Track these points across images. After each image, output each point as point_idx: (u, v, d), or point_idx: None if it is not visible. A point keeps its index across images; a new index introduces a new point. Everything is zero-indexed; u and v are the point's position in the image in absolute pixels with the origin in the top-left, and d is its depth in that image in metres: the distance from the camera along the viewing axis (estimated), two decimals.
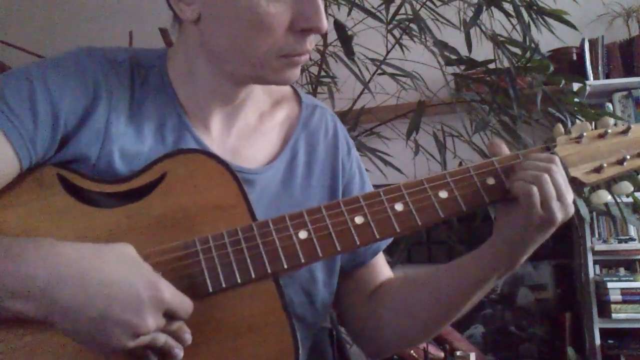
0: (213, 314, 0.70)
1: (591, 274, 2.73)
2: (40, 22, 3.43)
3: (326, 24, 0.76)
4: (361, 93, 1.95)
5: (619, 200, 1.66)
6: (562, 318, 2.83)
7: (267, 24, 0.74)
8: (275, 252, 0.73)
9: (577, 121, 1.76)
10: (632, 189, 0.85)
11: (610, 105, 2.85)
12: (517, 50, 1.73)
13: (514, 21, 1.74)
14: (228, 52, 0.78)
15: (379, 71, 1.97)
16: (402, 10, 1.83)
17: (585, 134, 0.84)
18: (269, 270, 0.72)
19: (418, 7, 1.82)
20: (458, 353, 1.82)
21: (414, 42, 1.95)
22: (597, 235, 2.79)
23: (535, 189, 0.74)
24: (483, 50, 1.80)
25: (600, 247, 2.74)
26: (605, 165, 0.82)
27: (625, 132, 0.85)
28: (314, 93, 2.09)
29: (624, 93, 2.87)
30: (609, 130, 0.85)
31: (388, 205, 0.77)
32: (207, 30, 0.78)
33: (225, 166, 0.77)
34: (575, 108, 1.75)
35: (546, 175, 0.75)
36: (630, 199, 1.74)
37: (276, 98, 0.94)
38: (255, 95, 0.90)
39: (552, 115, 1.76)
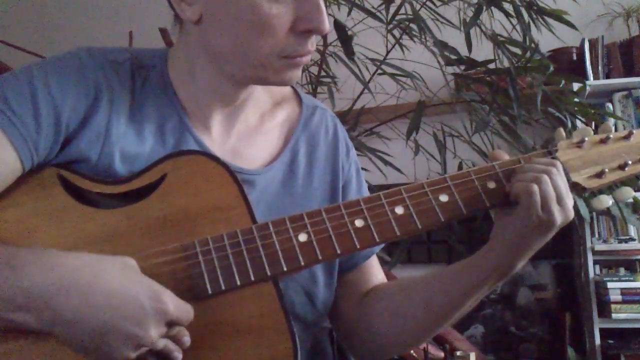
0: (212, 316, 0.70)
1: (591, 274, 2.73)
2: (40, 22, 3.43)
3: (328, 25, 0.76)
4: (361, 93, 1.95)
5: (614, 202, 1.66)
6: (562, 318, 2.83)
7: (268, 24, 0.74)
8: (274, 255, 0.73)
9: (577, 121, 1.76)
10: (633, 194, 0.85)
11: (610, 105, 2.85)
12: (517, 50, 1.73)
13: (514, 21, 1.74)
14: (229, 52, 0.78)
15: (379, 71, 1.97)
16: (402, 10, 1.83)
17: (587, 138, 0.84)
18: (269, 273, 0.72)
19: (418, 7, 1.82)
20: (458, 353, 1.81)
21: (414, 42, 1.95)
22: (597, 235, 2.79)
23: (535, 188, 0.74)
24: (483, 50, 1.80)
25: (600, 247, 2.74)
26: (606, 170, 0.82)
27: (627, 137, 0.86)
28: (314, 93, 2.09)
29: (624, 93, 2.87)
30: (611, 136, 0.85)
31: (388, 209, 0.77)
32: (208, 31, 0.78)
33: (226, 168, 0.77)
34: (575, 108, 1.75)
35: (546, 177, 0.75)
36: (630, 199, 1.74)
37: (276, 98, 0.94)
38: (256, 96, 0.89)
39: (552, 115, 1.76)
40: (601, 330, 2.65)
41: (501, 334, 2.95)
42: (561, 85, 1.77)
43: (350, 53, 1.69)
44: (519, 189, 0.76)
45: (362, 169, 1.03)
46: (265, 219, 0.75)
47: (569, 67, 2.85)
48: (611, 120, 2.47)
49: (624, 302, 2.63)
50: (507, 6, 1.73)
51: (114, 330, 0.63)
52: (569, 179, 0.80)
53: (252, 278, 0.71)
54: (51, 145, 0.74)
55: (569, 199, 0.77)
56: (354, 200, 0.77)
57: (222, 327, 0.70)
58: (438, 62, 1.82)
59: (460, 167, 1.92)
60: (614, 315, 2.62)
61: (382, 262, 1.78)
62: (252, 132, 0.89)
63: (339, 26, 1.69)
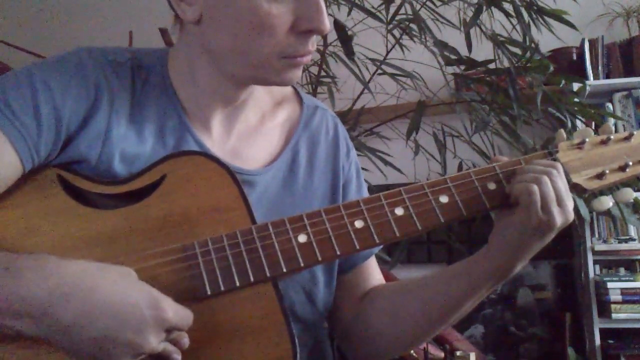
0: (211, 317, 0.70)
1: (591, 274, 2.73)
2: (41, 22, 3.43)
3: (328, 25, 0.76)
4: (361, 93, 1.95)
5: (615, 203, 1.66)
6: (562, 318, 2.83)
7: (269, 25, 0.74)
8: (274, 256, 0.72)
9: (577, 121, 1.76)
10: (634, 195, 0.85)
11: (610, 105, 2.84)
12: (517, 50, 1.73)
13: (514, 21, 1.74)
14: (229, 53, 0.77)
15: (379, 71, 1.97)
16: (402, 10, 1.83)
17: (587, 140, 0.84)
18: (268, 274, 0.72)
19: (418, 7, 1.82)
20: (458, 353, 1.82)
21: (414, 42, 1.95)
22: (597, 235, 2.79)
23: (535, 188, 0.74)
24: (483, 50, 1.80)
25: (600, 247, 2.74)
26: (607, 171, 0.82)
27: (627, 138, 0.85)
28: (314, 93, 2.09)
29: (624, 93, 2.87)
30: (612, 137, 0.85)
31: (388, 210, 0.77)
32: (208, 31, 0.78)
33: (226, 168, 0.77)
34: (575, 108, 1.75)
35: (546, 178, 0.75)
36: (630, 200, 1.74)
37: (277, 98, 0.94)
38: (257, 96, 0.89)
39: (552, 115, 1.76)
40: (601, 330, 2.65)
41: (501, 334, 2.95)
42: (561, 85, 1.77)
43: (350, 53, 1.69)
44: (518, 189, 0.76)
45: (362, 169, 1.03)
46: (265, 220, 0.75)
47: (569, 67, 2.85)
48: (611, 121, 2.47)
49: (624, 302, 2.63)
50: (507, 6, 1.73)
51: (112, 339, 0.62)
52: (569, 180, 0.80)
53: (252, 279, 0.71)
54: (52, 146, 0.74)
55: (569, 201, 0.76)
56: (354, 201, 0.77)
57: (222, 328, 0.70)
58: (438, 62, 1.82)
59: (460, 167, 1.92)
60: (614, 315, 2.61)
61: (382, 262, 1.78)
62: (252, 133, 0.89)
63: (339, 26, 1.69)
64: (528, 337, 2.92)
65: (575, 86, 2.20)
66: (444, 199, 0.78)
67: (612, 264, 2.82)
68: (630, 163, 0.83)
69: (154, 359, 0.66)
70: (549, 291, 2.94)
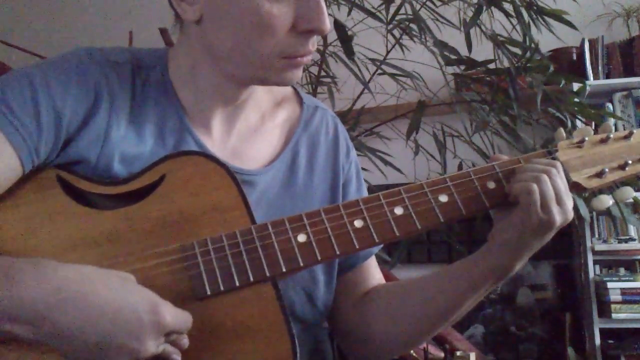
0: (211, 317, 0.70)
1: (591, 274, 2.73)
2: (41, 22, 3.43)
3: (329, 25, 0.76)
4: (361, 93, 1.95)
5: (615, 202, 1.66)
6: (562, 318, 2.83)
7: (269, 25, 0.73)
8: (274, 256, 0.72)
9: (577, 121, 1.76)
10: (633, 194, 0.84)
11: (610, 105, 2.85)
12: (517, 50, 1.73)
13: (514, 21, 1.74)
14: (230, 52, 0.77)
15: (379, 71, 1.97)
16: (402, 10, 1.83)
17: (587, 138, 0.84)
18: (268, 274, 0.72)
19: (418, 7, 1.82)
20: (458, 353, 1.81)
21: (414, 42, 1.95)
22: (597, 235, 2.79)
23: (535, 187, 0.74)
24: (483, 50, 1.80)
25: (600, 247, 2.74)
26: (607, 170, 0.81)
27: (627, 137, 0.85)
28: (314, 93, 2.09)
29: (624, 93, 2.87)
30: (611, 135, 0.85)
31: (388, 209, 0.76)
32: (209, 31, 0.78)
33: (225, 168, 0.77)
34: (575, 108, 1.75)
35: (546, 177, 0.75)
36: (630, 199, 1.74)
37: (277, 98, 0.94)
38: (257, 96, 0.89)
39: (552, 115, 1.76)
40: (601, 330, 2.65)
41: (501, 334, 2.95)
42: (561, 85, 1.77)
43: (350, 53, 1.69)
44: (518, 188, 0.76)
45: (362, 169, 1.03)
46: (265, 219, 0.75)
47: (569, 67, 2.85)
48: (611, 121, 2.47)
49: (624, 302, 2.63)
50: (507, 6, 1.73)
51: (111, 344, 0.62)
52: (569, 179, 0.80)
53: (251, 279, 0.71)
54: (51, 146, 0.74)
55: (569, 199, 0.76)
56: (353, 201, 0.77)
57: (221, 328, 0.70)
58: (438, 62, 1.82)
59: (460, 167, 1.92)
60: (614, 315, 2.62)
61: (382, 262, 1.78)
62: (252, 133, 0.89)
63: (339, 26, 1.69)
64: (528, 337, 2.92)
65: (575, 86, 2.19)
66: (443, 198, 0.78)
67: (612, 264, 2.82)
68: (630, 161, 0.83)
69: (153, 359, 0.66)
70: (549, 291, 2.95)
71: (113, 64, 0.80)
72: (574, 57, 2.90)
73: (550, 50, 2.74)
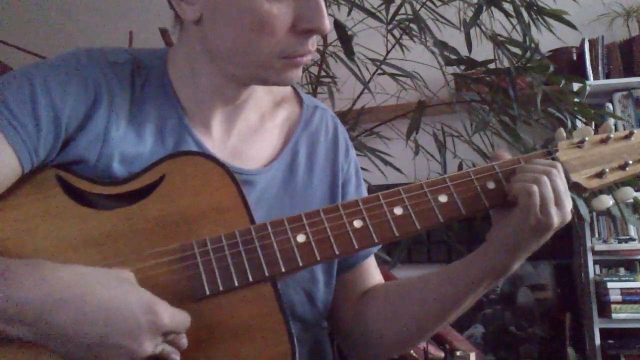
0: (210, 317, 0.70)
1: (591, 274, 2.73)
2: (41, 22, 3.43)
3: (328, 24, 0.76)
4: (361, 93, 1.95)
5: (615, 202, 1.66)
6: (562, 318, 2.83)
7: (269, 24, 0.74)
8: (273, 256, 0.72)
9: (577, 121, 1.76)
10: (634, 194, 0.84)
11: (610, 105, 2.85)
12: (517, 50, 1.73)
13: (514, 21, 1.74)
14: (230, 52, 0.77)
15: (379, 71, 1.97)
16: (402, 10, 1.83)
17: (587, 138, 0.84)
18: (267, 274, 0.72)
19: (418, 7, 1.82)
20: (458, 353, 1.81)
21: (414, 42, 1.95)
22: (597, 235, 2.79)
23: (535, 189, 0.74)
24: (483, 50, 1.79)
25: (600, 247, 2.74)
26: (607, 170, 0.81)
27: (627, 137, 0.85)
28: (314, 93, 2.09)
29: (624, 93, 2.87)
30: (611, 135, 0.85)
31: (387, 209, 0.76)
32: (208, 31, 0.78)
33: (224, 168, 0.77)
34: (575, 108, 1.75)
35: (545, 178, 0.75)
36: (630, 199, 1.74)
37: (277, 98, 0.94)
38: (257, 96, 0.89)
39: (552, 115, 1.76)
40: (601, 330, 2.65)
41: (501, 334, 2.95)
42: (561, 85, 1.77)
43: (350, 53, 1.69)
44: (517, 189, 0.76)
45: (362, 169, 1.04)
46: (265, 219, 0.75)
47: (569, 67, 2.85)
48: (611, 120, 2.47)
49: (624, 302, 2.63)
50: (507, 6, 1.73)
51: (108, 344, 0.62)
52: (569, 179, 0.80)
53: (250, 279, 0.71)
54: (50, 146, 0.74)
55: (568, 201, 0.76)
56: (353, 201, 0.77)
57: (220, 328, 0.70)
58: (438, 62, 1.81)
59: (460, 167, 1.92)
60: (614, 315, 2.62)
61: (382, 262, 1.78)
62: (252, 133, 0.89)
63: (339, 26, 1.69)
64: (528, 337, 2.92)
65: (575, 86, 2.20)
66: (443, 198, 0.78)
67: (612, 264, 2.82)
68: (630, 162, 0.82)
69: (152, 359, 0.66)
70: (549, 291, 2.95)
71: (113, 64, 0.80)
72: (574, 57, 2.90)
73: (550, 50, 2.74)
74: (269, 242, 0.73)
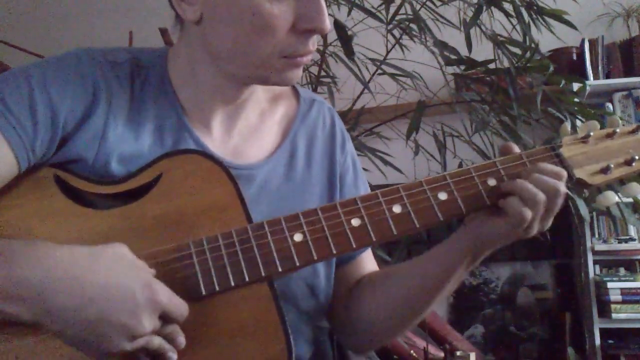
0: (207, 317, 0.70)
1: (591, 274, 2.74)
2: (40, 22, 3.43)
3: (329, 24, 0.76)
4: (361, 93, 1.95)
5: (621, 199, 1.65)
6: (562, 318, 2.83)
7: (269, 24, 0.74)
8: (269, 255, 0.72)
9: (577, 121, 1.76)
10: None
11: (610, 105, 2.85)
12: (517, 50, 1.73)
13: (514, 21, 1.74)
14: (230, 52, 0.77)
15: (379, 71, 1.97)
16: (402, 10, 1.83)
17: (592, 133, 0.82)
18: (263, 274, 0.71)
19: (418, 7, 1.82)
20: (458, 353, 1.82)
21: (414, 42, 1.95)
22: (597, 235, 2.79)
23: (529, 214, 0.73)
24: (483, 50, 1.79)
25: (600, 247, 2.74)
26: (612, 166, 0.79)
27: (634, 131, 0.83)
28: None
29: (624, 93, 2.87)
30: (618, 130, 0.82)
31: (386, 208, 0.75)
32: (209, 31, 0.78)
33: (222, 166, 0.76)
34: (575, 108, 1.75)
35: (542, 202, 0.73)
36: (630, 199, 1.74)
37: (274, 94, 0.94)
38: (256, 95, 0.90)
39: (552, 115, 1.76)
40: (601, 330, 2.65)
41: (501, 334, 2.95)
42: (561, 85, 1.77)
43: (350, 53, 1.69)
44: (512, 208, 0.74)
45: (362, 169, 1.03)
46: (266, 213, 0.75)
47: (569, 67, 2.85)
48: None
49: (624, 302, 2.63)
50: (507, 6, 1.73)
51: (106, 321, 0.62)
52: (572, 176, 0.79)
53: (247, 278, 0.71)
54: (48, 145, 0.74)
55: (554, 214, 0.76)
56: (351, 199, 0.76)
57: (217, 328, 0.70)
58: (438, 62, 1.81)
59: (460, 167, 1.91)
60: (614, 315, 2.62)
61: (382, 262, 1.78)
62: (252, 131, 0.89)
63: (339, 26, 1.69)
64: (528, 337, 2.92)
65: (575, 86, 2.20)
66: (442, 196, 0.77)
67: (612, 264, 2.82)
68: (637, 157, 0.80)
69: (150, 357, 0.66)
70: (549, 291, 2.95)
71: (112, 64, 0.80)
72: (574, 57, 2.90)
73: (550, 50, 2.75)
74: (265, 242, 0.72)
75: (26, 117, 0.72)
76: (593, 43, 2.88)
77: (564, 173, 0.76)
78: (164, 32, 1.87)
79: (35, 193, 0.74)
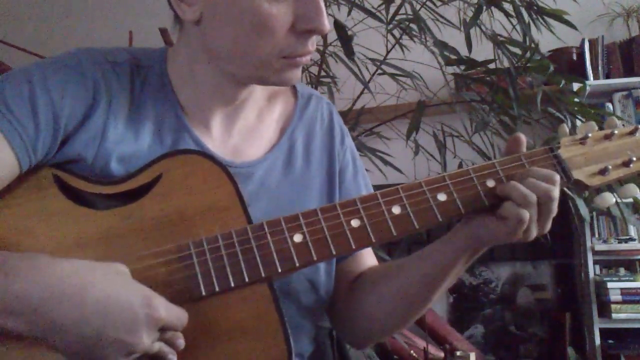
0: (207, 318, 0.70)
1: (591, 274, 2.73)
2: (40, 22, 3.43)
3: (328, 25, 0.76)
4: (361, 93, 1.95)
5: (619, 200, 1.65)
6: (562, 318, 2.83)
7: (268, 25, 0.74)
8: (269, 256, 0.72)
9: (577, 121, 1.76)
10: (638, 192, 0.82)
11: (610, 105, 2.85)
12: (517, 50, 1.73)
13: (514, 21, 1.74)
14: (229, 53, 0.78)
15: (379, 71, 1.97)
16: (402, 10, 1.83)
17: (590, 134, 0.82)
18: (263, 274, 0.71)
19: (418, 7, 1.82)
20: (458, 353, 1.82)
21: (414, 42, 1.95)
22: (597, 235, 2.79)
23: (527, 216, 0.73)
24: (483, 50, 1.79)
25: (600, 247, 2.74)
26: (610, 167, 0.80)
27: (632, 133, 0.83)
28: None
29: (624, 93, 2.87)
30: (616, 131, 0.82)
31: (385, 208, 0.76)
32: (208, 31, 0.78)
33: (221, 167, 0.76)
34: (575, 108, 1.74)
35: (538, 200, 0.74)
36: (630, 199, 1.74)
37: (272, 91, 0.94)
38: (255, 94, 0.90)
39: (552, 115, 1.76)
40: (601, 330, 2.65)
41: (501, 334, 2.95)
42: (561, 85, 1.77)
43: (350, 53, 1.69)
44: (510, 212, 0.74)
45: None
46: (266, 210, 0.75)
47: (569, 67, 2.85)
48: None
49: (624, 302, 2.63)
50: (507, 6, 1.73)
51: (105, 338, 0.62)
52: (570, 177, 0.79)
53: (247, 279, 0.71)
54: (49, 146, 0.74)
55: (552, 217, 0.76)
56: (351, 200, 0.77)
57: (217, 328, 0.70)
58: (438, 62, 1.81)
59: (460, 167, 1.91)
60: (614, 315, 2.62)
61: (382, 262, 1.78)
62: (252, 130, 0.89)
63: (339, 26, 1.68)
64: (528, 337, 2.92)
65: (575, 86, 2.19)
66: (442, 197, 0.77)
67: (612, 264, 2.82)
68: (635, 158, 0.80)
69: (149, 359, 0.66)
70: (549, 291, 2.94)
71: (112, 64, 0.80)
72: (574, 57, 2.90)
73: (550, 50, 2.75)
74: (265, 242, 0.72)
75: (27, 117, 0.72)
76: (593, 43, 2.88)
77: (557, 177, 0.76)
78: (164, 32, 1.87)
79: (34, 193, 0.74)
